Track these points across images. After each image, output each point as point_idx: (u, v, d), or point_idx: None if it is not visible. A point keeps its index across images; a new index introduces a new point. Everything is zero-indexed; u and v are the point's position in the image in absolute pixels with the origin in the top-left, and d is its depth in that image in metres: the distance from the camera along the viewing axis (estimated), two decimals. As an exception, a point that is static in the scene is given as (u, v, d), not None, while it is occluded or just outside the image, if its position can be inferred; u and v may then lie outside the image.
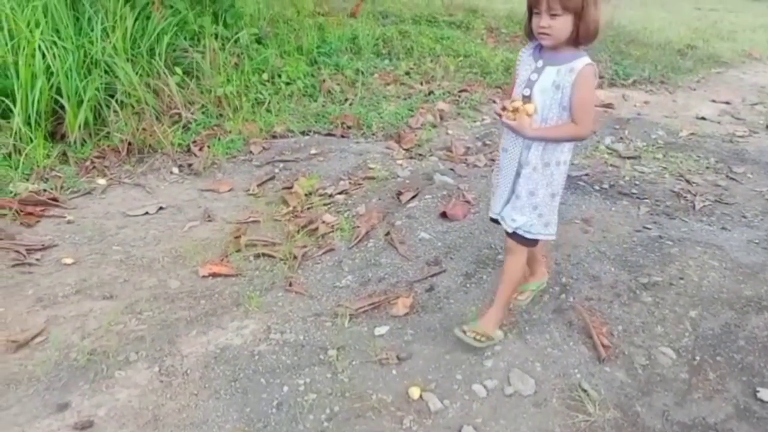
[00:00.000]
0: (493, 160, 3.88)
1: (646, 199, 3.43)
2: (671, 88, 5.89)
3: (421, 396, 2.09)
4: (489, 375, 2.17)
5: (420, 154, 3.96)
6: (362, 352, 2.27)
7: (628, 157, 4.03)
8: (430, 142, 4.16)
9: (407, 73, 5.39)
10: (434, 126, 4.44)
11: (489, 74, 5.48)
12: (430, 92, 5.05)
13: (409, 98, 4.90)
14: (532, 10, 1.98)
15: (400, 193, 3.30)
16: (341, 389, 2.10)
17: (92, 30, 3.72)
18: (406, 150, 4.04)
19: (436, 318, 2.45)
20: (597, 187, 3.53)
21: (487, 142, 4.17)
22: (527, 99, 2.05)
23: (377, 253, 2.84)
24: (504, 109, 2.09)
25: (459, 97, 5.03)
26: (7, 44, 3.25)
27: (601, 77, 5.76)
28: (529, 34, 2.05)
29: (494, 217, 2.30)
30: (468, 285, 2.62)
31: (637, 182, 3.64)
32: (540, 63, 2.03)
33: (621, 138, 4.36)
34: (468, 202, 3.19)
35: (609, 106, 5.07)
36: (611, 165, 3.90)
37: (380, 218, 3.10)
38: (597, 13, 1.92)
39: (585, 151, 4.08)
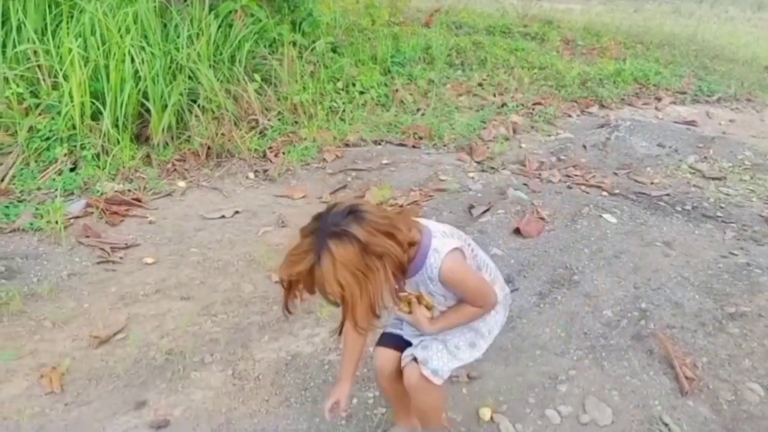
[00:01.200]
0: (569, 176, 3.79)
1: (732, 223, 3.27)
2: (758, 107, 5.62)
3: (492, 418, 2.04)
4: (563, 400, 2.11)
5: (492, 168, 3.90)
6: (432, 368, 2.24)
7: (713, 178, 3.86)
8: (502, 155, 4.11)
9: (480, 85, 5.34)
10: (507, 139, 4.38)
11: (564, 87, 5.37)
12: (504, 104, 4.98)
13: (481, 110, 4.85)
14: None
15: (471, 207, 3.26)
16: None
17: (178, 37, 3.85)
18: (478, 162, 3.99)
19: (507, 338, 2.39)
20: (679, 209, 3.39)
21: (562, 157, 4.07)
22: (423, 296, 1.69)
23: (448, 267, 2.80)
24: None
25: (533, 110, 4.94)
26: (99, 49, 3.40)
27: (683, 92, 5.55)
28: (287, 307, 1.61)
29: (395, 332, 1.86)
30: (542, 305, 2.55)
31: (722, 205, 3.48)
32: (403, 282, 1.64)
33: (705, 157, 4.18)
34: (542, 218, 3.12)
35: (692, 123, 4.88)
36: (694, 185, 3.74)
37: (452, 232, 3.06)
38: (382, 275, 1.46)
39: (666, 170, 3.93)
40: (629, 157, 4.05)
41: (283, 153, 3.87)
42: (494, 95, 5.16)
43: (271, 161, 3.80)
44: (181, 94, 3.69)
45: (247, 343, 2.34)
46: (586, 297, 2.58)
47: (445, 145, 4.24)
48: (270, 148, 3.90)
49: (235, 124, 3.90)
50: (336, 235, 1.41)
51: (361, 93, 4.70)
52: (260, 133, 3.98)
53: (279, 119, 4.12)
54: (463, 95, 5.10)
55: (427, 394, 1.77)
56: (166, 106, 3.58)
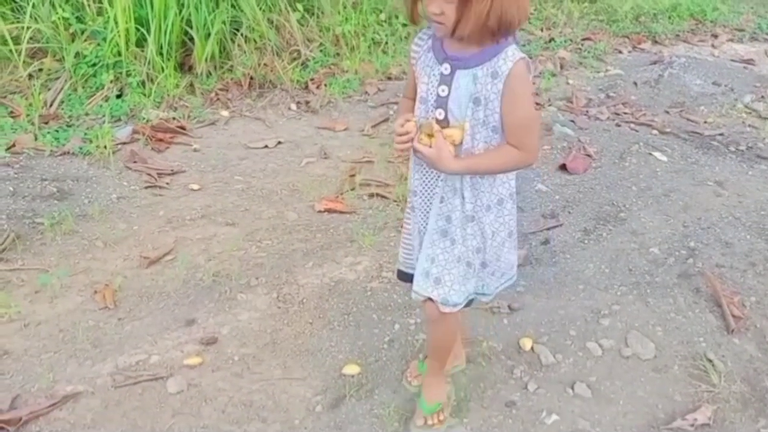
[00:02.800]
0: (617, 114, 3.68)
1: (789, 165, 3.15)
2: (823, 46, 5.31)
3: (532, 348, 2.06)
4: (605, 334, 2.10)
5: (538, 104, 3.81)
6: (474, 299, 2.25)
7: (769, 119, 3.70)
8: (549, 91, 3.99)
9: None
10: (554, 75, 4.25)
11: (616, 22, 5.15)
12: (551, 39, 4.82)
13: (527, 45, 4.70)
14: None
15: (516, 142, 3.20)
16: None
17: (222, -37, 3.78)
18: (524, 98, 3.90)
19: (550, 272, 2.38)
20: (732, 149, 3.27)
21: (611, 95, 3.94)
22: (443, 124, 1.44)
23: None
24: (406, 134, 1.45)
25: (582, 45, 4.77)
26: (143, -25, 3.38)
27: (741, 30, 5.28)
28: (413, 18, 1.42)
29: (407, 271, 1.71)
30: (586, 241, 2.52)
31: (778, 146, 3.35)
32: (446, 67, 1.41)
33: (762, 97, 4.00)
34: (589, 155, 3.05)
35: (749, 62, 4.65)
36: (749, 126, 3.59)
37: (495, 166, 3.02)
38: (503, 2, 1.29)
39: (721, 109, 3.78)
40: (682, 96, 3.90)
41: (325, 85, 3.83)
42: (541, 30, 4.98)
43: (313, 93, 3.77)
44: (223, 23, 3.65)
45: (291, 268, 2.38)
46: (632, 234, 2.53)
47: (489, 80, 4.14)
48: (312, 79, 3.86)
49: (278, 54, 3.85)
50: None
51: (404, 25, 4.58)
52: (302, 64, 3.93)
53: (321, 51, 4.06)
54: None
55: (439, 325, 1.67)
56: (209, 34, 3.55)
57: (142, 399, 1.82)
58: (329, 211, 2.74)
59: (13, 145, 2.83)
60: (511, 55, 1.36)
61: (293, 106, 3.66)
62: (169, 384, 1.86)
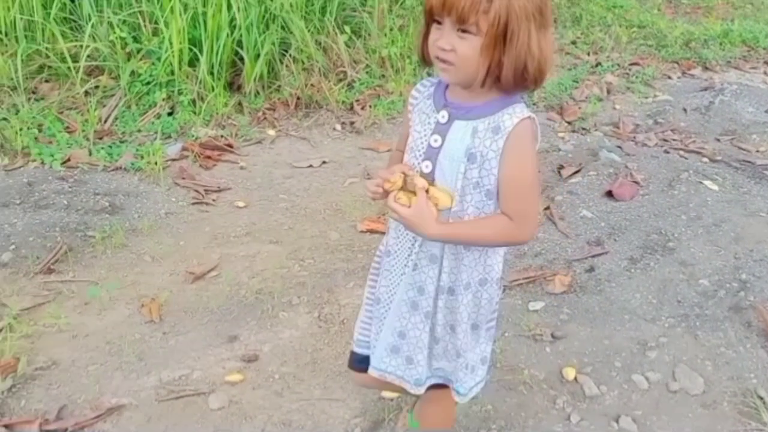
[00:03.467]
0: (666, 140, 3.61)
1: None
2: None
3: (576, 378, 2.02)
4: (652, 367, 2.05)
5: (584, 128, 3.77)
6: (515, 325, 2.23)
7: (827, 149, 3.58)
8: (595, 116, 3.95)
9: (573, 42, 5.13)
10: (600, 99, 4.20)
11: (665, 47, 5.07)
12: (598, 63, 4.77)
13: (574, 69, 4.66)
14: (431, 17, 1.19)
15: (561, 167, 3.17)
16: (493, 359, 2.04)
17: (273, -14, 3.87)
18: (569, 123, 3.86)
19: (595, 300, 2.34)
20: (787, 179, 3.17)
21: (660, 121, 3.88)
22: (427, 178, 1.27)
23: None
24: (387, 185, 1.27)
25: (629, 70, 4.71)
26: (198, -3, 3.48)
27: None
28: (425, 58, 1.26)
29: (361, 352, 1.53)
30: (632, 270, 2.47)
31: (836, 177, 3.23)
32: (444, 115, 1.26)
33: (819, 126, 3.88)
34: (636, 182, 3.00)
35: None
36: (805, 155, 3.48)
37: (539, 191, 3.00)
38: (542, 43, 1.17)
39: (774, 137, 3.68)
40: (733, 123, 3.81)
41: (370, 106, 3.86)
42: (588, 54, 4.94)
43: (357, 114, 3.81)
44: (273, 44, 3.72)
45: (332, 288, 2.39)
46: (681, 265, 2.47)
47: (534, 104, 4.12)
48: (357, 100, 3.90)
49: (324, 75, 3.91)
50: None
51: (450, 48, 4.61)
52: (348, 85, 3.98)
53: (367, 72, 4.11)
54: (555, 53, 4.91)
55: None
56: (258, 55, 3.63)
57: (184, 414, 1.84)
58: (371, 231, 2.75)
59: (68, 160, 2.93)
60: (519, 112, 1.21)
61: (338, 127, 3.70)
62: (210, 400, 1.88)
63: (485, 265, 1.36)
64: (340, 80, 3.99)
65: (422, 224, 1.24)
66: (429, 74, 1.27)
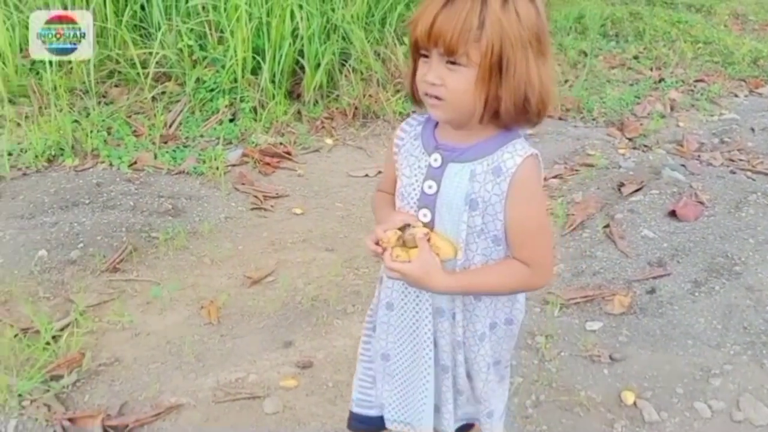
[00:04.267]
0: (732, 160, 3.50)
1: None
2: None
3: (635, 403, 1.96)
4: (715, 395, 1.98)
5: (645, 145, 3.68)
6: (572, 345, 2.19)
7: None
8: (657, 133, 3.85)
9: (636, 57, 5.03)
10: (663, 116, 4.10)
11: (732, 65, 4.92)
12: (661, 79, 4.66)
13: (636, 84, 4.57)
14: (417, 51, 1.11)
15: (621, 185, 3.10)
16: (548, 378, 2.04)
17: (335, -3, 3.93)
18: (630, 139, 3.78)
19: (656, 323, 2.27)
20: None
21: (726, 140, 3.76)
22: (428, 227, 1.17)
23: (593, 245, 2.70)
24: (381, 244, 1.18)
25: (694, 87, 4.58)
26: (262, 6, 3.55)
27: None
28: (415, 96, 1.16)
29: (364, 413, 1.44)
30: (696, 293, 2.39)
31: None
32: (436, 158, 1.16)
33: None
34: (701, 202, 2.91)
35: None
36: None
37: (598, 208, 2.94)
38: (541, 73, 1.07)
39: None
40: (805, 145, 3.67)
41: (427, 117, 3.87)
42: (651, 69, 4.83)
43: (414, 125, 3.81)
44: (333, 54, 3.77)
45: (386, 298, 2.39)
46: (748, 290, 2.38)
47: (594, 119, 4.05)
48: (413, 111, 3.90)
49: (382, 86, 3.94)
50: None
51: (508, 61, 4.58)
52: (405, 96, 3.99)
53: (424, 83, 4.12)
54: (617, 68, 4.82)
55: None
56: (319, 65, 3.68)
57: (240, 416, 1.87)
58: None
59: (135, 162, 3.03)
60: (520, 149, 1.11)
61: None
62: (265, 404, 1.91)
63: (501, 310, 1.28)
64: (398, 91, 4.01)
65: (427, 278, 1.14)
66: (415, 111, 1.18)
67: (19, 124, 3.10)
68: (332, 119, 3.74)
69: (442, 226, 1.17)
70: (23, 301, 2.19)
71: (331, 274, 2.49)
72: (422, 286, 1.17)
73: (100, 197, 2.74)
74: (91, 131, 3.12)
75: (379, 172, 3.33)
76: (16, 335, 2.04)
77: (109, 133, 3.20)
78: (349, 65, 3.84)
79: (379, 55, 4.03)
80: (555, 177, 3.28)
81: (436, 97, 1.09)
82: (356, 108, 3.80)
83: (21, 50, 3.45)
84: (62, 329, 2.11)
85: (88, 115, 3.25)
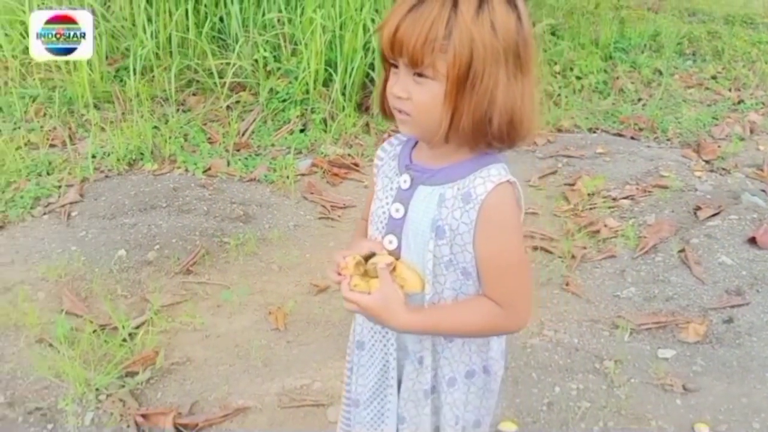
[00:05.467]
0: (817, 187, 3.33)
1: None
2: None
3: (709, 436, 1.89)
4: (797, 433, 1.88)
5: (723, 168, 3.55)
6: (642, 372, 2.12)
7: None
8: (736, 156, 3.71)
9: (714, 77, 4.86)
10: (742, 139, 3.94)
11: (817, 87, 4.70)
12: (740, 101, 4.49)
13: (713, 105, 4.42)
14: (386, 60, 1.01)
15: (698, 209, 3.00)
16: (617, 405, 1.98)
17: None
18: (707, 162, 3.65)
19: (733, 354, 2.18)
20: None
21: (810, 165, 3.58)
22: (394, 255, 1.07)
23: (666, 270, 2.61)
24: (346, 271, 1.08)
25: (776, 109, 4.40)
26: (336, 20, 3.62)
27: None
28: (385, 109, 1.07)
29: None
30: (777, 325, 2.28)
31: None
32: (405, 179, 1.07)
33: None
34: (783, 230, 2.78)
35: None
36: None
37: (672, 232, 2.85)
38: (513, 92, 0.96)
39: None
40: None
41: (495, 133, 3.84)
42: (730, 90, 4.66)
43: (481, 140, 3.80)
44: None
45: (451, 313, 2.38)
46: (833, 324, 2.26)
47: (668, 140, 3.94)
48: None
49: (451, 100, 3.95)
50: None
51: (578, 78, 4.51)
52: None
53: (493, 99, 4.10)
54: (693, 88, 4.67)
55: None
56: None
57: (304, 423, 1.89)
58: (491, 260, 2.72)
59: (209, 168, 3.13)
60: (494, 175, 1.00)
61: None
62: (329, 412, 1.93)
63: (476, 354, 1.13)
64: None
65: (387, 314, 1.02)
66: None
67: (103, 129, 3.26)
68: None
69: (409, 255, 1.05)
70: (103, 298, 2.29)
71: (396, 287, 2.49)
72: (382, 323, 1.05)
73: (176, 201, 2.84)
74: (170, 137, 3.24)
75: (445, 187, 3.33)
76: (95, 330, 2.13)
77: (185, 140, 3.32)
78: (419, 79, 3.87)
79: (448, 69, 4.04)
80: (626, 198, 3.20)
81: (403, 112, 1.00)
82: (424, 122, 3.82)
83: (107, 57, 3.64)
84: (137, 327, 2.19)
85: (167, 121, 3.38)
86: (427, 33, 0.93)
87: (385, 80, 1.03)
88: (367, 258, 1.06)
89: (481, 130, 0.97)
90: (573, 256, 2.73)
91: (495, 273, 1.03)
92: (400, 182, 1.07)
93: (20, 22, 3.62)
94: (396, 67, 0.99)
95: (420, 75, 0.96)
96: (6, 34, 3.57)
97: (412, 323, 1.04)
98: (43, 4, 3.58)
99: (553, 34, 4.86)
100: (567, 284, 2.57)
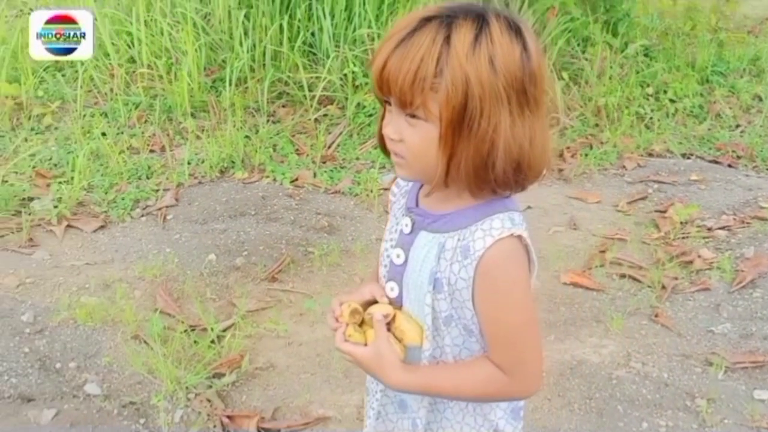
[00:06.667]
0: None
1: None
2: None
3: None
4: None
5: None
6: (737, 413, 2.01)
7: None
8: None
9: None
10: None
11: None
12: None
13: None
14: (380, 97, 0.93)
15: (799, 242, 2.83)
16: (709, 447, 1.89)
17: (495, 30, 3.97)
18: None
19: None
20: None
21: None
22: (395, 304, 1.00)
23: (765, 306, 2.47)
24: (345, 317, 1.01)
25: None
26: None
27: None
28: (384, 147, 0.97)
29: None
30: None
31: None
32: (407, 224, 0.99)
33: None
34: None
35: None
36: None
37: (772, 267, 2.70)
38: (517, 132, 0.87)
39: None
40: None
41: (581, 155, 3.76)
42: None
43: (567, 161, 3.72)
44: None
45: (533, 338, 2.34)
46: None
47: (768, 169, 3.74)
48: (567, 147, 3.82)
49: (537, 120, 3.90)
50: (508, 21, 0.88)
51: (672, 101, 4.35)
52: (559, 131, 3.92)
53: (580, 120, 4.02)
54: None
55: None
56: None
57: (383, 437, 1.89)
58: (575, 284, 2.65)
59: (297, 179, 3.21)
60: (496, 228, 0.90)
61: (545, 172, 3.65)
62: (408, 429, 1.92)
63: (475, 416, 1.01)
64: (551, 126, 3.94)
65: (379, 370, 0.94)
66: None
67: (198, 137, 3.40)
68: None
69: (410, 305, 0.98)
70: (193, 300, 2.38)
71: (477, 307, 2.47)
72: (375, 376, 0.98)
73: (264, 209, 2.92)
74: (260, 147, 3.35)
75: (528, 207, 3.27)
76: (185, 330, 2.21)
77: (274, 150, 3.41)
78: (505, 98, 3.84)
79: (535, 89, 3.99)
80: (722, 228, 3.06)
81: (397, 154, 0.92)
82: (509, 141, 3.78)
83: (205, 69, 3.80)
84: (224, 330, 2.26)
85: (257, 131, 3.50)
86: (416, 71, 0.84)
87: (382, 117, 0.94)
88: (369, 304, 1.01)
89: (483, 177, 0.88)
90: (663, 287, 2.63)
91: (497, 337, 0.93)
92: (402, 225, 1.00)
93: (127, 33, 3.85)
94: (390, 104, 0.91)
95: (412, 116, 0.88)
96: (113, 44, 3.79)
97: (406, 383, 0.95)
98: (148, 15, 3.79)
99: (646, 55, 4.72)
100: (656, 315, 2.47)
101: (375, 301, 1.01)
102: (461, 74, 0.83)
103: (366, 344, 0.97)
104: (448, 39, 0.84)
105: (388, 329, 0.97)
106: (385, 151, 0.95)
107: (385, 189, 3.27)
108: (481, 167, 0.87)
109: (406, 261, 0.97)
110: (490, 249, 0.89)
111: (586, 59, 4.29)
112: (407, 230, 0.98)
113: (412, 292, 0.96)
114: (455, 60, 0.83)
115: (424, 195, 0.99)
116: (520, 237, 0.91)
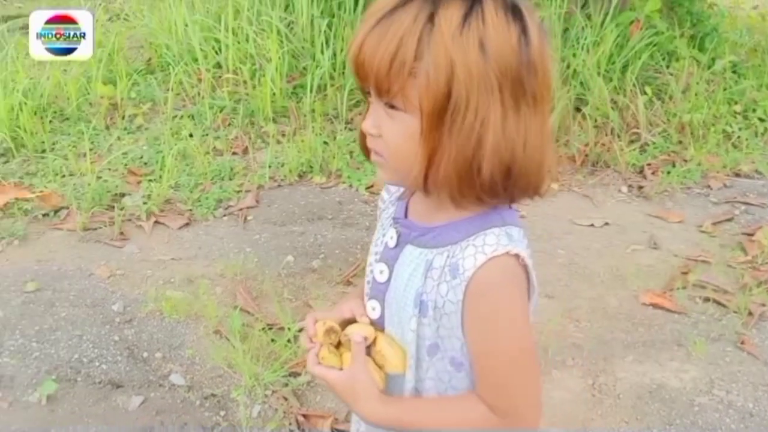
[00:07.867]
0: None
1: None
2: None
3: None
4: None
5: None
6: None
7: None
8: None
9: None
10: None
11: None
12: None
13: None
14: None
15: None
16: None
17: (577, 42, 3.90)
18: None
19: None
20: None
21: None
22: (377, 325, 0.89)
23: None
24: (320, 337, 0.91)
25: None
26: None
27: None
28: (365, 147, 0.86)
29: None
30: None
31: None
32: (392, 236, 0.87)
33: None
34: None
35: None
36: None
37: None
38: (509, 129, 0.75)
39: None
40: None
41: (662, 172, 3.65)
42: None
43: (647, 178, 3.62)
44: (569, 99, 3.74)
45: (609, 357, 2.29)
46: None
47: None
48: (648, 164, 3.72)
49: (617, 135, 3.81)
50: (506, 0, 0.74)
51: (762, 120, 4.17)
52: (640, 147, 3.82)
53: (663, 136, 3.90)
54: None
55: None
56: (553, 108, 3.66)
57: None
58: (655, 305, 2.58)
59: (372, 186, 3.25)
60: (489, 244, 0.78)
61: (624, 189, 3.56)
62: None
63: None
64: (632, 141, 3.85)
65: (353, 400, 0.83)
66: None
67: (279, 141, 3.49)
68: (559, 164, 3.69)
69: (393, 328, 0.86)
70: (271, 299, 2.44)
71: (552, 323, 2.44)
72: (349, 406, 0.87)
73: (340, 214, 2.98)
74: (337, 153, 3.41)
75: (606, 224, 3.21)
76: (263, 328, 2.28)
77: (351, 156, 3.47)
78: (584, 111, 3.77)
79: (616, 103, 3.91)
80: (814, 255, 2.91)
81: (376, 152, 0.81)
82: (586, 155, 3.71)
83: (287, 75, 3.91)
84: (300, 330, 2.31)
85: (335, 138, 3.56)
86: (394, 53, 0.72)
87: (367, 111, 0.83)
88: (349, 323, 0.90)
89: (467, 181, 0.75)
90: (750, 313, 2.52)
91: (487, 372, 0.81)
92: (387, 238, 0.89)
93: (215, 39, 4.00)
94: (371, 95, 0.79)
95: (391, 107, 0.77)
96: (201, 49, 3.95)
97: (381, 416, 0.83)
98: (235, 23, 3.93)
99: (734, 71, 4.55)
100: (742, 342, 2.38)
101: (354, 320, 0.90)
102: (445, 58, 0.71)
103: (341, 368, 0.86)
104: (432, 17, 0.72)
105: (368, 353, 0.86)
106: (366, 150, 0.84)
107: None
108: (465, 169, 0.75)
109: (390, 278, 0.86)
110: (482, 268, 0.78)
111: (671, 74, 4.16)
112: (392, 243, 0.87)
113: (396, 314, 0.85)
114: (439, 41, 0.71)
115: (414, 203, 0.88)
116: (517, 256, 0.80)
